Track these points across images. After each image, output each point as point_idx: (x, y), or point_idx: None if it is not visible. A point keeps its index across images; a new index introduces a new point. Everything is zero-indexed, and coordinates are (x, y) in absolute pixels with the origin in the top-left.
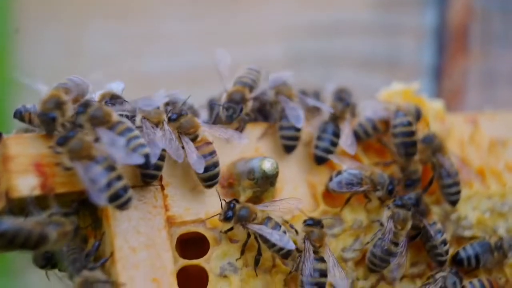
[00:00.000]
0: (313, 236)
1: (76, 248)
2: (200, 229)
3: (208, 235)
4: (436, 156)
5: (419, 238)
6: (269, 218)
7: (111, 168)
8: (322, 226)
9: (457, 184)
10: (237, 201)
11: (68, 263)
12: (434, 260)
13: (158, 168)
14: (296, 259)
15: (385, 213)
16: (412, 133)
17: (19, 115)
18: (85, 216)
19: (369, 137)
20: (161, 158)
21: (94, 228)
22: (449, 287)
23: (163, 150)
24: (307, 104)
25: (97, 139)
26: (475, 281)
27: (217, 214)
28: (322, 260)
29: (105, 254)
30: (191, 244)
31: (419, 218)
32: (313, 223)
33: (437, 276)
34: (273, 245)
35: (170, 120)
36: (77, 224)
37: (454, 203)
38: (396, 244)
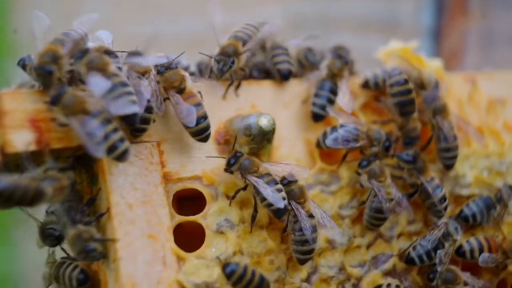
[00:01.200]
0: (294, 195)
1: (72, 199)
2: (197, 185)
3: (205, 191)
4: (436, 119)
5: (418, 195)
6: (268, 174)
7: (107, 121)
8: (296, 181)
9: (453, 149)
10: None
11: (63, 212)
12: (434, 217)
13: (146, 121)
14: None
15: (362, 179)
16: (408, 91)
17: (22, 64)
18: (81, 172)
19: (378, 89)
20: (148, 110)
21: (90, 185)
22: (452, 232)
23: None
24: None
25: None
26: (472, 239)
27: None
28: (312, 216)
29: (101, 210)
30: (188, 202)
31: (416, 175)
32: (288, 182)
33: (440, 223)
34: (264, 199)
35: (158, 73)
36: (73, 179)
37: (448, 167)
38: (391, 200)
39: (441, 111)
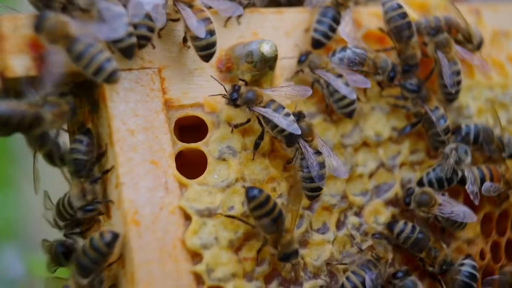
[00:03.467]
0: (302, 132)
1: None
2: (198, 113)
3: (207, 119)
4: (437, 53)
5: (421, 125)
6: (272, 101)
7: (91, 44)
8: (304, 116)
9: (455, 85)
10: (240, 86)
11: (69, 161)
12: (433, 147)
13: (146, 37)
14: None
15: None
16: (403, 15)
17: None
18: (82, 100)
19: None
20: (150, 29)
21: (91, 112)
22: (462, 157)
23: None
24: None
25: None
26: (474, 168)
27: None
28: (319, 153)
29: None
30: (189, 132)
31: (420, 104)
32: (297, 118)
33: (447, 150)
34: (276, 126)
35: None
36: (73, 105)
37: (450, 101)
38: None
39: (443, 45)
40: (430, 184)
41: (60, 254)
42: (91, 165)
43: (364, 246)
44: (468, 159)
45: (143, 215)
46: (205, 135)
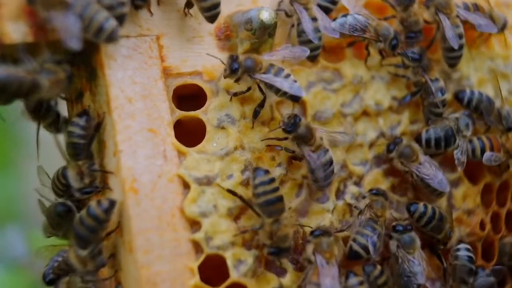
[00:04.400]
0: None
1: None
2: (197, 81)
3: (205, 87)
4: (439, 16)
5: (420, 95)
6: (271, 65)
7: (87, 6)
8: (300, 120)
9: (458, 48)
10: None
11: (66, 144)
12: (427, 118)
13: None
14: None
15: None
16: None
17: None
18: (80, 68)
19: None
20: None
21: (89, 80)
22: (462, 128)
23: None
24: None
25: None
26: (474, 139)
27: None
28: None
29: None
30: (188, 102)
31: (421, 73)
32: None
33: (450, 117)
34: (279, 90)
35: None
36: (70, 72)
37: (452, 66)
38: None
39: (443, 7)
40: (428, 141)
41: (60, 214)
42: (89, 146)
43: (362, 206)
44: (468, 133)
45: (141, 183)
46: (203, 104)
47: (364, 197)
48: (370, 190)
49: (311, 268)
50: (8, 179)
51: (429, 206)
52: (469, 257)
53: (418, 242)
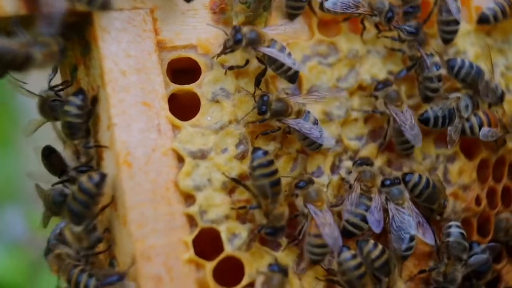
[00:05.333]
0: None
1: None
2: (191, 54)
3: (200, 60)
4: None
5: (415, 70)
6: (274, 40)
7: None
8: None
9: (455, 22)
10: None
11: (62, 123)
12: (422, 94)
13: None
14: None
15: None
16: None
17: None
18: (74, 42)
19: None
20: None
21: (83, 54)
22: (460, 109)
23: None
24: None
25: None
26: (471, 116)
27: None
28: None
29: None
30: (182, 76)
31: (417, 47)
32: None
33: (451, 95)
34: (282, 65)
35: None
36: (63, 46)
37: (447, 41)
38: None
39: None
40: (436, 120)
41: (57, 204)
42: (87, 124)
43: (352, 181)
44: (466, 115)
45: (135, 156)
46: (198, 78)
47: (350, 173)
48: (354, 162)
49: (308, 220)
50: (7, 158)
51: (424, 177)
52: (461, 233)
53: (406, 195)
